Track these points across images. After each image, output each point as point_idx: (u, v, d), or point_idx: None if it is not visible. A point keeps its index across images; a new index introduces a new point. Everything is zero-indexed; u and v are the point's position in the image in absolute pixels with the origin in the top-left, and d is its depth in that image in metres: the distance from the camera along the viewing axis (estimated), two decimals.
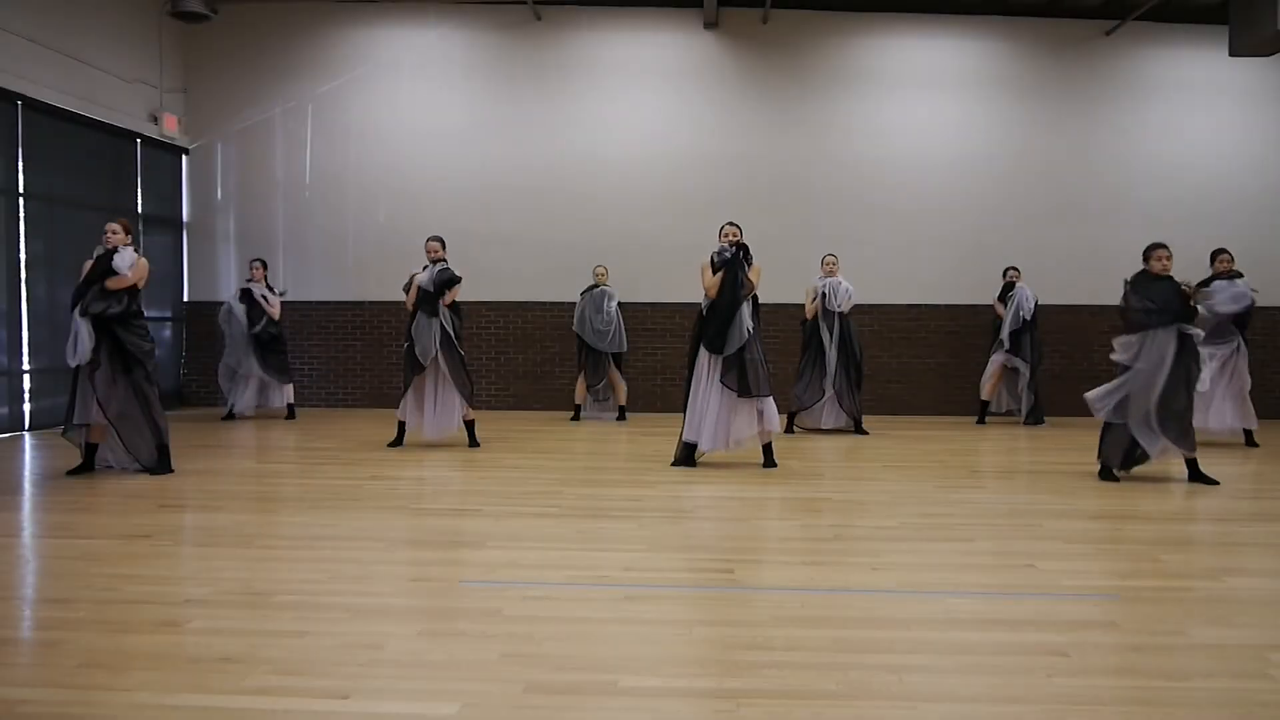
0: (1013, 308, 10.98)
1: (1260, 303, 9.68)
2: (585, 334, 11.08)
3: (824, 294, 10.20)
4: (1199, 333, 7.11)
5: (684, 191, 12.27)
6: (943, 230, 12.32)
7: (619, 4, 12.41)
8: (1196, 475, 7.23)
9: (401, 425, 8.91)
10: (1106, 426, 7.31)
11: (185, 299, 12.63)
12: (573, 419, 11.34)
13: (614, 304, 11.14)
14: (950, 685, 3.27)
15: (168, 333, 12.37)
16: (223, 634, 3.75)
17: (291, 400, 11.37)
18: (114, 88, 11.28)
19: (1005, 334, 10.99)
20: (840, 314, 10.17)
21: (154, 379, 7.40)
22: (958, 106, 12.39)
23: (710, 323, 7.69)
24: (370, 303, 12.42)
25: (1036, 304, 10.99)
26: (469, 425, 8.99)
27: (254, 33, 12.53)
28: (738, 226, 7.81)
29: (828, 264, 10.30)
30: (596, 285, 11.31)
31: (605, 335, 11.07)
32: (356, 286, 12.46)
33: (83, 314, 7.06)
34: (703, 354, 7.75)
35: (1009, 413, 11.50)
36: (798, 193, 12.33)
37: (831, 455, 8.84)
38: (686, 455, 7.91)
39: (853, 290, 10.20)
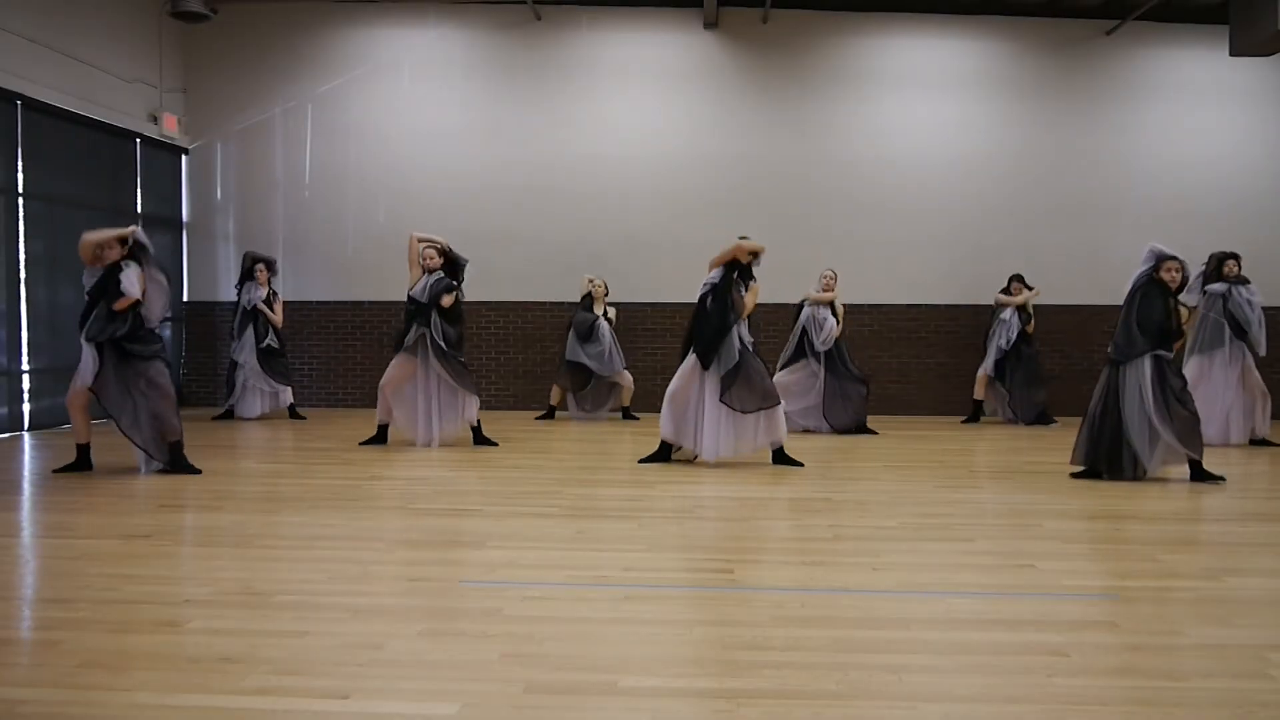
0: (997, 336, 11.09)
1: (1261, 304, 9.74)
2: (583, 359, 11.03)
3: (805, 327, 10.20)
4: (1169, 355, 7.19)
5: (684, 191, 12.27)
6: (943, 230, 12.31)
7: (619, 4, 12.40)
8: (1199, 475, 7.24)
9: (383, 427, 8.92)
10: (1092, 429, 7.33)
11: (185, 299, 12.63)
12: (542, 418, 11.35)
13: (606, 330, 11.11)
14: (950, 685, 3.27)
15: (168, 332, 12.36)
16: (223, 634, 3.75)
17: (292, 400, 11.37)
18: (114, 88, 11.28)
19: (990, 363, 11.10)
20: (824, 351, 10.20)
21: (169, 374, 7.46)
22: (958, 106, 12.39)
23: (700, 334, 7.69)
24: (370, 303, 12.42)
25: (1021, 332, 11.03)
26: (476, 428, 8.98)
27: (254, 33, 12.52)
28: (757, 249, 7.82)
29: (825, 280, 10.27)
30: (587, 300, 11.28)
31: (603, 358, 11.05)
32: (356, 286, 12.46)
33: (87, 339, 7.06)
34: (697, 363, 7.74)
35: (1007, 418, 11.47)
36: (798, 192, 12.32)
37: (831, 455, 8.84)
38: (662, 453, 7.91)
39: (835, 324, 10.19)
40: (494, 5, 12.38)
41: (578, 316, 11.14)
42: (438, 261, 8.76)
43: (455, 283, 8.76)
